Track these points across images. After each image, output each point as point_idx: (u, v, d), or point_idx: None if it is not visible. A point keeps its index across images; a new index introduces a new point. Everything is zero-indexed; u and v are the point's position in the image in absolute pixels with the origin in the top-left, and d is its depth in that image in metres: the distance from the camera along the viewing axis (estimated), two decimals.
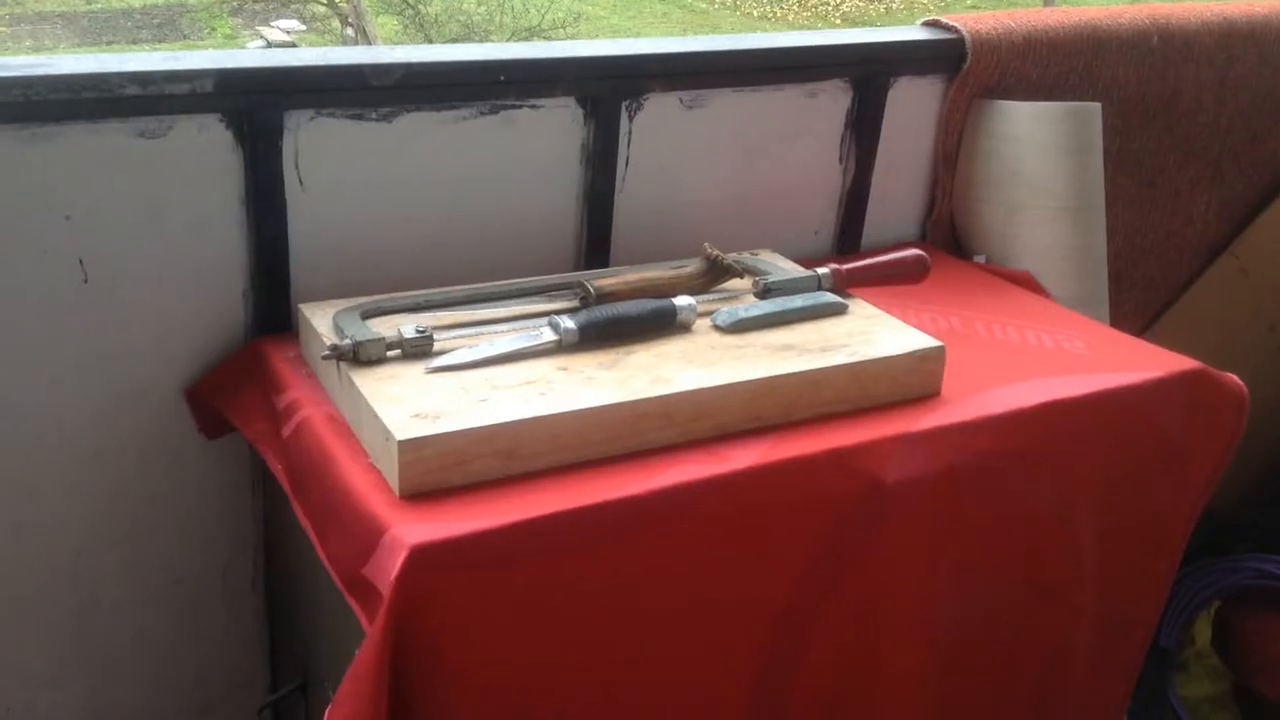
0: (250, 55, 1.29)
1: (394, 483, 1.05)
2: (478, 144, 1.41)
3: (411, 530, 0.99)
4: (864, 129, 1.65)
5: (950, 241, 1.78)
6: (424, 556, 0.98)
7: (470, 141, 1.40)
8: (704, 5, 19.71)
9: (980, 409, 1.27)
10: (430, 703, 1.00)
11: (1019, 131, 1.67)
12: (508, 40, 13.47)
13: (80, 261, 1.25)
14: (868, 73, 1.62)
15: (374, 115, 1.34)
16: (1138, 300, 1.98)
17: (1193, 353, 2.05)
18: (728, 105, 1.54)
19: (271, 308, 1.35)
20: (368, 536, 1.03)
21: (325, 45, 15.12)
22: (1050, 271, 1.68)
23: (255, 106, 1.26)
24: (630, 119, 1.48)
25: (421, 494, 1.05)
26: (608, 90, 1.45)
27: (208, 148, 1.27)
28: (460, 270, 1.42)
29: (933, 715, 1.34)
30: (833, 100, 1.62)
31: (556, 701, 1.08)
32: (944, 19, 1.67)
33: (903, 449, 1.20)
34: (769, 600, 1.17)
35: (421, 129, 1.37)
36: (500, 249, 1.46)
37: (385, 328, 1.22)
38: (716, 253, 1.37)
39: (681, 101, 1.51)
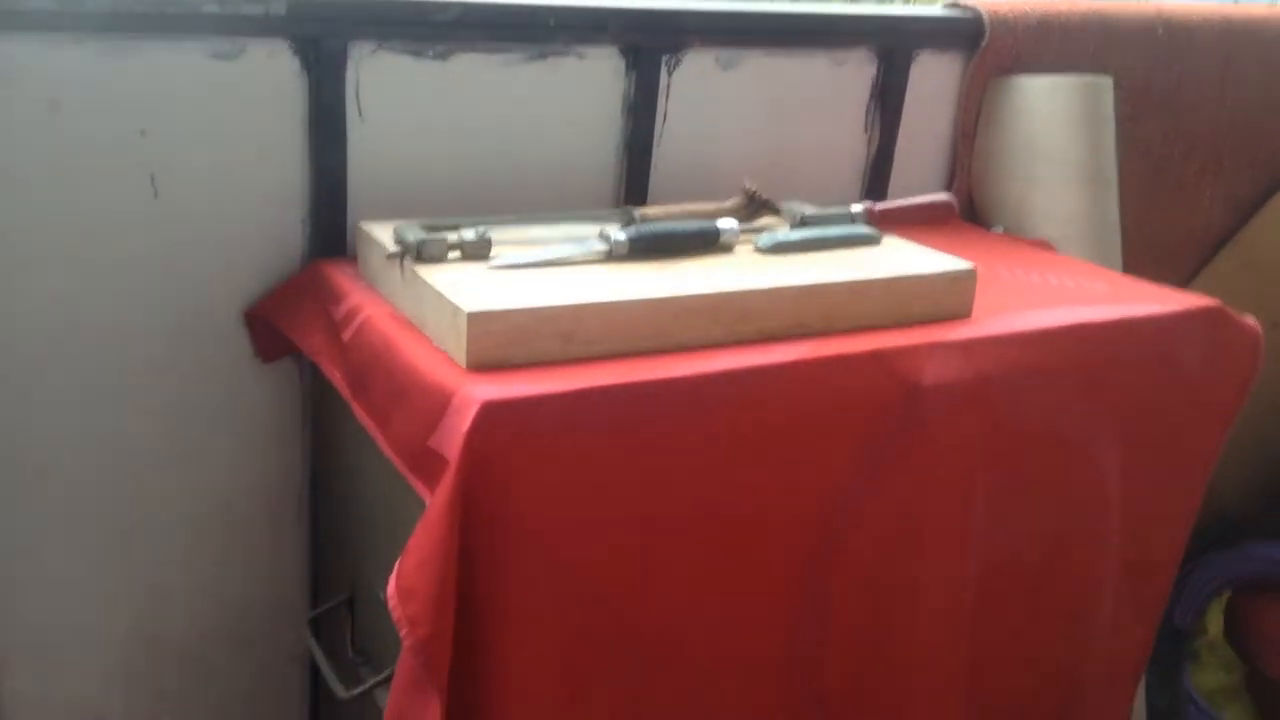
0: None
1: (461, 357, 1.10)
2: (526, 86, 1.48)
3: (481, 390, 1.04)
4: (888, 99, 1.74)
5: (968, 215, 1.85)
6: (493, 413, 1.02)
7: (519, 83, 1.47)
8: None
9: (1010, 327, 1.32)
10: (493, 557, 1.04)
11: (1034, 105, 1.76)
12: None
13: (151, 177, 1.31)
14: (891, 44, 1.71)
15: (430, 53, 1.41)
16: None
17: None
18: (759, 67, 1.62)
19: (329, 233, 1.41)
20: (436, 406, 1.07)
21: None
22: (1066, 240, 1.75)
23: (322, 34, 1.34)
24: (669, 74, 1.56)
25: (488, 365, 1.10)
26: (649, 41, 1.53)
27: (276, 73, 1.34)
28: (511, 205, 1.48)
29: (968, 613, 1.37)
30: (858, 69, 1.71)
31: (608, 568, 1.11)
32: (962, 0, 1.77)
33: (939, 355, 1.26)
34: (811, 492, 1.21)
35: (473, 69, 1.44)
36: (543, 193, 1.53)
37: (445, 234, 1.28)
38: (755, 188, 1.44)
39: (717, 60, 1.59)
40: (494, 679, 1.06)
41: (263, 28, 1.31)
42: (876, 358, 1.23)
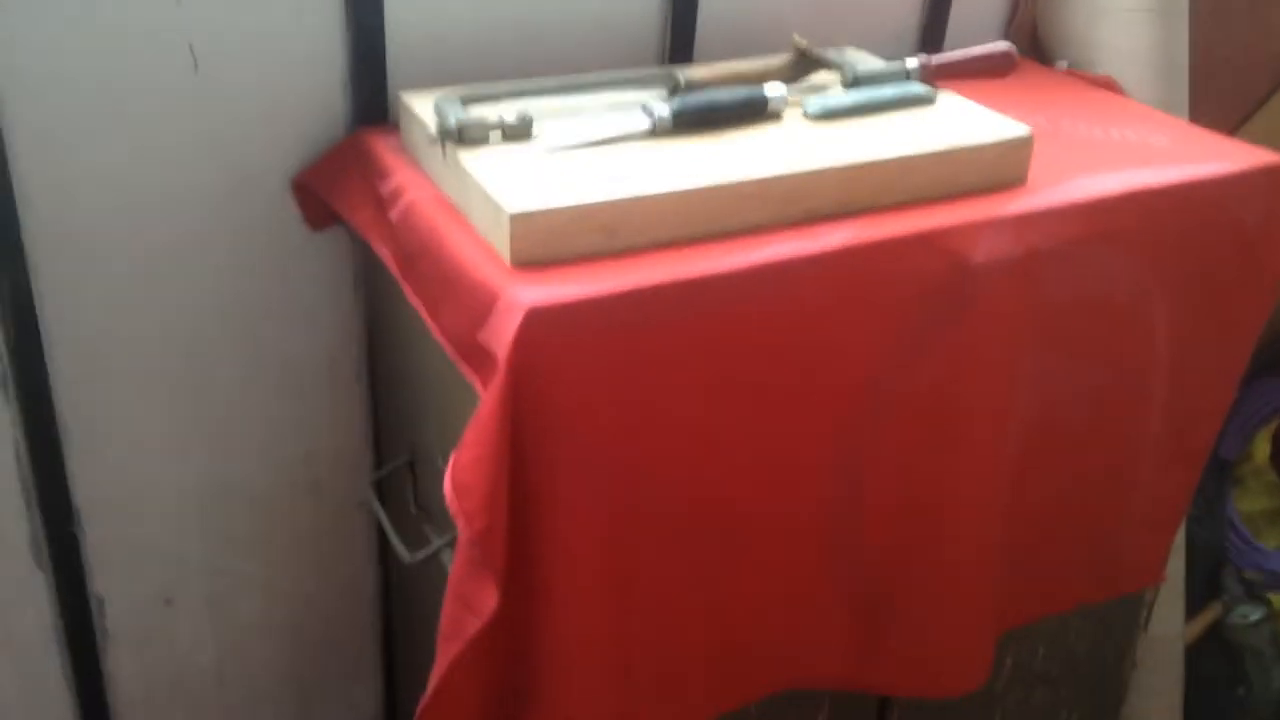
0: None
1: (505, 254, 1.11)
2: None
3: (527, 293, 1.05)
4: None
5: (1032, 46, 1.77)
6: (539, 317, 1.04)
7: None
8: None
9: (1066, 195, 1.29)
10: (543, 449, 1.08)
11: None
12: None
13: (190, 47, 1.29)
14: None
15: None
16: (1213, 115, 1.96)
17: None
18: None
19: (371, 98, 1.39)
20: (483, 304, 1.09)
21: None
22: (1132, 76, 1.68)
23: None
24: None
25: (532, 263, 1.10)
26: None
27: None
28: (551, 59, 1.45)
29: (1011, 511, 1.41)
30: None
31: (656, 451, 1.15)
32: None
33: (989, 232, 1.24)
34: (857, 367, 1.22)
35: None
36: (589, 39, 1.48)
37: (485, 114, 1.26)
38: (805, 44, 1.39)
39: None
40: (547, 561, 1.12)
41: None
42: (925, 239, 1.21)
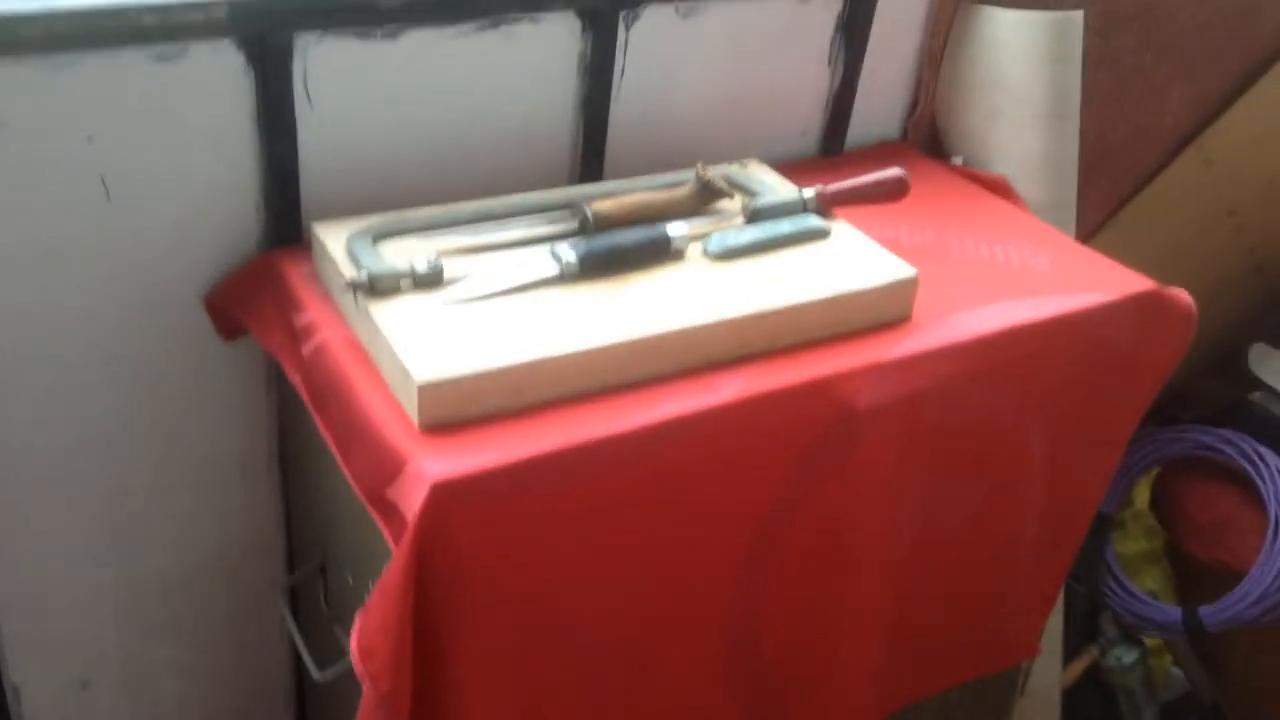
0: None
1: (413, 416, 1.16)
2: (479, 57, 1.44)
3: (433, 465, 1.10)
4: (854, 32, 1.69)
5: (931, 140, 1.84)
6: (445, 491, 1.09)
7: (472, 54, 1.44)
8: None
9: (948, 334, 1.37)
10: (452, 613, 1.14)
11: (1002, 37, 1.72)
12: None
13: (102, 179, 1.31)
14: None
15: (379, 33, 1.37)
16: (1107, 189, 2.06)
17: (1156, 236, 2.15)
18: (722, 13, 1.58)
19: (284, 219, 1.42)
20: (391, 464, 1.14)
21: None
22: (1024, 175, 1.76)
23: (266, 29, 1.30)
24: (627, 29, 1.52)
25: (439, 426, 1.16)
26: (606, 3, 1.48)
27: (221, 69, 1.31)
28: (464, 178, 1.48)
29: (894, 610, 1.50)
30: (824, 6, 1.66)
31: (559, 598, 1.22)
32: None
33: (875, 377, 1.31)
34: (746, 516, 1.30)
35: (425, 45, 1.40)
36: (501, 157, 1.52)
37: (396, 253, 1.30)
38: (709, 176, 1.44)
39: (677, 11, 1.54)
40: (455, 709, 1.19)
41: (204, 30, 1.27)
42: (815, 386, 1.28)
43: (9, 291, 1.31)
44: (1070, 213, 1.81)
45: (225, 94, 1.33)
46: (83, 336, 1.38)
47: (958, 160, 1.81)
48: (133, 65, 1.26)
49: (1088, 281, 1.50)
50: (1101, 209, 2.07)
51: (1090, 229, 2.05)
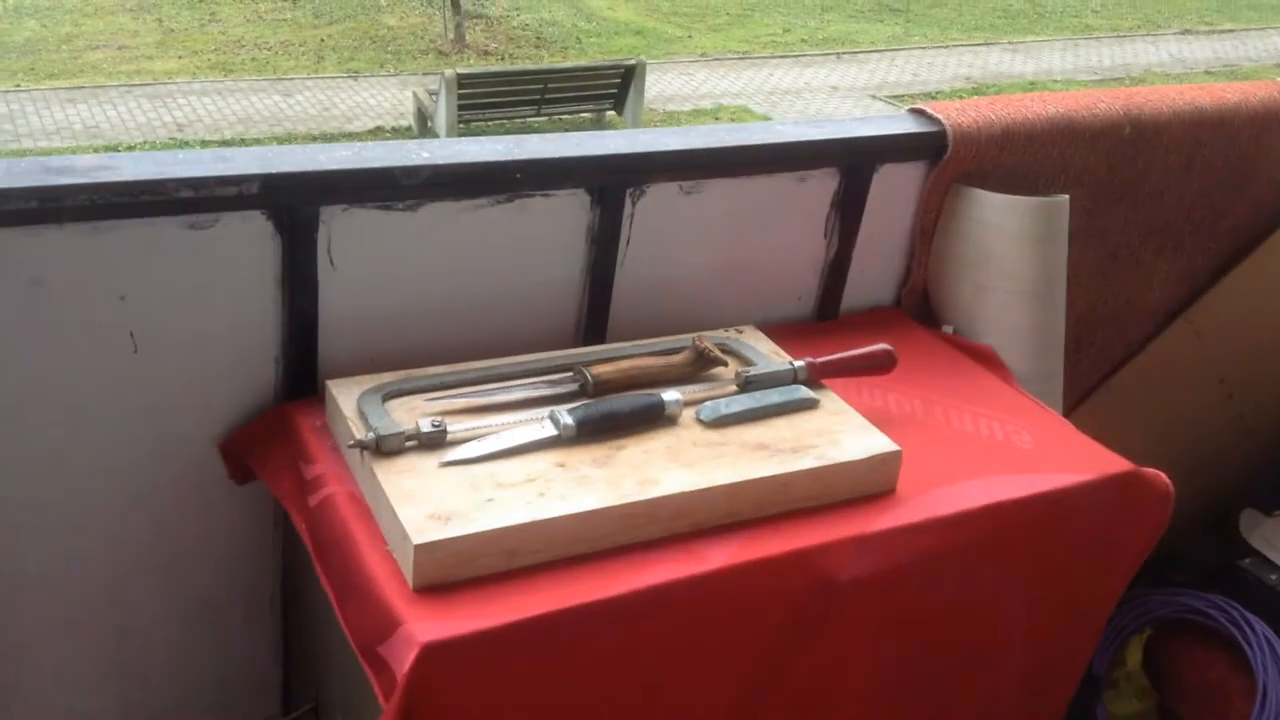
0: (292, 156, 1.41)
1: (409, 576, 1.21)
2: (493, 228, 1.54)
3: (423, 627, 1.16)
4: (849, 209, 1.78)
5: (922, 309, 1.92)
6: (434, 652, 1.14)
7: (486, 226, 1.53)
8: None
9: (930, 509, 1.43)
10: None
11: (991, 219, 1.81)
12: None
13: (131, 334, 1.39)
14: (855, 160, 1.75)
15: (400, 206, 1.47)
16: (1095, 360, 2.13)
17: (1148, 402, 2.21)
18: (723, 190, 1.67)
19: (301, 373, 1.50)
20: (384, 622, 1.19)
21: None
22: (1011, 349, 1.83)
23: (294, 203, 1.39)
24: (633, 204, 1.61)
25: (433, 587, 1.21)
26: (615, 182, 1.57)
27: (250, 236, 1.40)
28: (474, 339, 1.56)
29: None
30: (821, 184, 1.75)
31: None
32: (928, 109, 1.79)
33: (857, 550, 1.37)
34: (727, 681, 1.35)
35: (443, 216, 1.50)
36: (510, 320, 1.60)
37: (403, 412, 1.37)
38: (705, 345, 1.52)
39: (681, 189, 1.64)
40: None
41: (237, 203, 1.36)
42: (798, 557, 1.34)
43: (35, 435, 1.39)
44: (1057, 384, 1.88)
45: (253, 258, 1.42)
46: (101, 476, 1.45)
47: (948, 329, 1.88)
48: (167, 232, 1.35)
49: (1068, 460, 1.56)
50: (1092, 376, 2.14)
51: (1080, 395, 2.11)
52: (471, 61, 12.50)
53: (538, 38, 13.67)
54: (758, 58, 13.89)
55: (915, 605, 1.44)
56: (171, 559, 1.55)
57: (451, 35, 13.12)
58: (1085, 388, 2.12)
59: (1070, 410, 2.06)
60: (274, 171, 1.37)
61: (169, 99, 11.13)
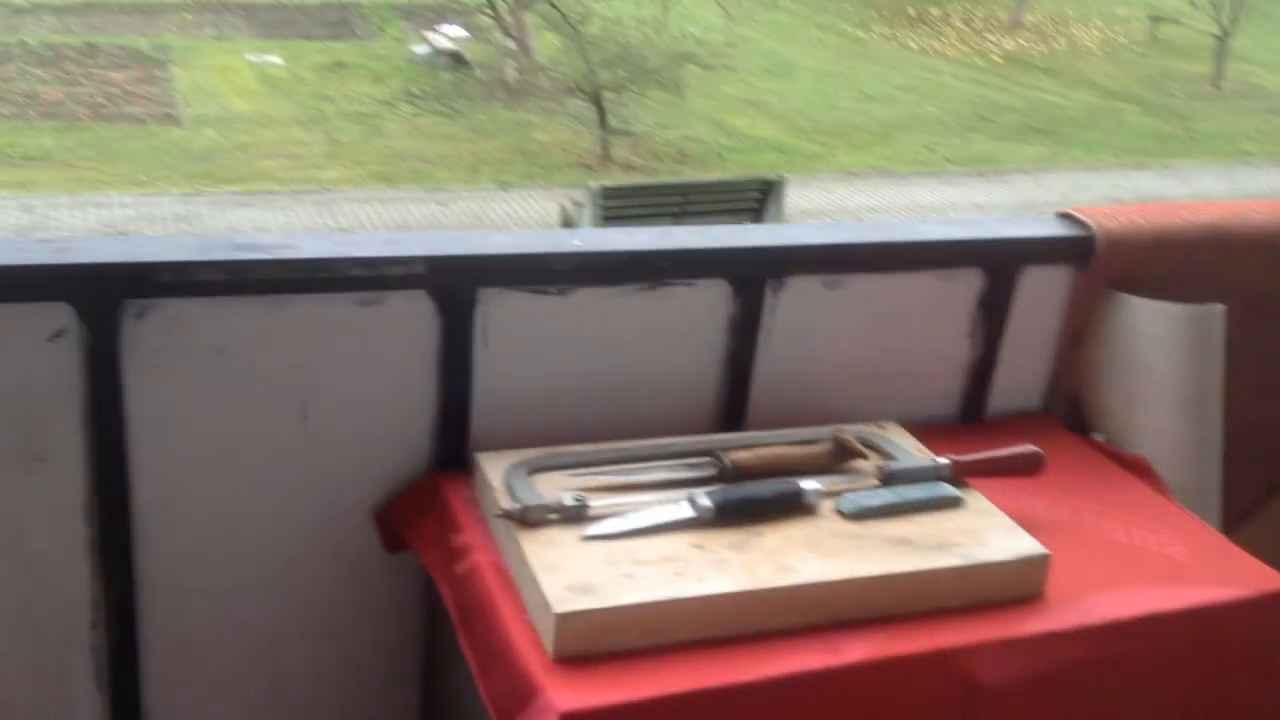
0: (455, 240, 1.50)
1: (549, 645, 1.24)
2: (637, 314, 1.59)
3: (562, 696, 1.17)
4: (993, 310, 1.78)
5: (1072, 416, 1.89)
6: None
7: (631, 312, 1.58)
8: (861, 34, 19.74)
9: (1080, 616, 1.39)
10: None
11: (1143, 326, 1.78)
12: (663, 64, 13.77)
13: (302, 404, 1.47)
14: (999, 261, 1.75)
15: (552, 290, 1.53)
16: (1255, 479, 2.05)
17: None
18: (865, 286, 1.69)
19: (452, 446, 1.56)
20: (523, 691, 1.21)
21: (488, 53, 15.70)
22: (1165, 459, 1.78)
23: (455, 284, 1.47)
24: (774, 295, 1.64)
25: (571, 657, 1.23)
26: (755, 273, 1.61)
27: (413, 315, 1.48)
28: (615, 421, 1.60)
29: None
30: (965, 284, 1.75)
31: None
32: (1076, 213, 1.79)
33: (1003, 653, 1.33)
34: None
35: (591, 301, 1.56)
36: (651, 403, 1.64)
37: (547, 487, 1.41)
38: (846, 437, 1.53)
39: (822, 283, 1.67)
40: None
41: (403, 282, 1.45)
42: (941, 657, 1.31)
43: (207, 496, 1.48)
44: (1213, 499, 1.81)
45: (414, 335, 1.50)
46: (263, 541, 1.53)
47: (1099, 437, 1.84)
48: (339, 308, 1.44)
49: (1226, 575, 1.50)
50: (1251, 496, 2.05)
51: (1240, 515, 2.03)
52: (616, 175, 12.88)
53: (681, 153, 14.02)
54: (900, 175, 13.97)
55: (1063, 715, 1.39)
56: (323, 624, 1.60)
57: (598, 150, 13.57)
58: (1245, 507, 2.03)
59: (1229, 530, 1.97)
60: (438, 254, 1.45)
61: (334, 205, 11.76)
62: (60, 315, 1.35)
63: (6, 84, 13.42)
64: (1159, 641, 1.42)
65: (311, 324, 1.44)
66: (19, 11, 16.04)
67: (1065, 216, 1.81)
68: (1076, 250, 1.77)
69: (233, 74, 14.86)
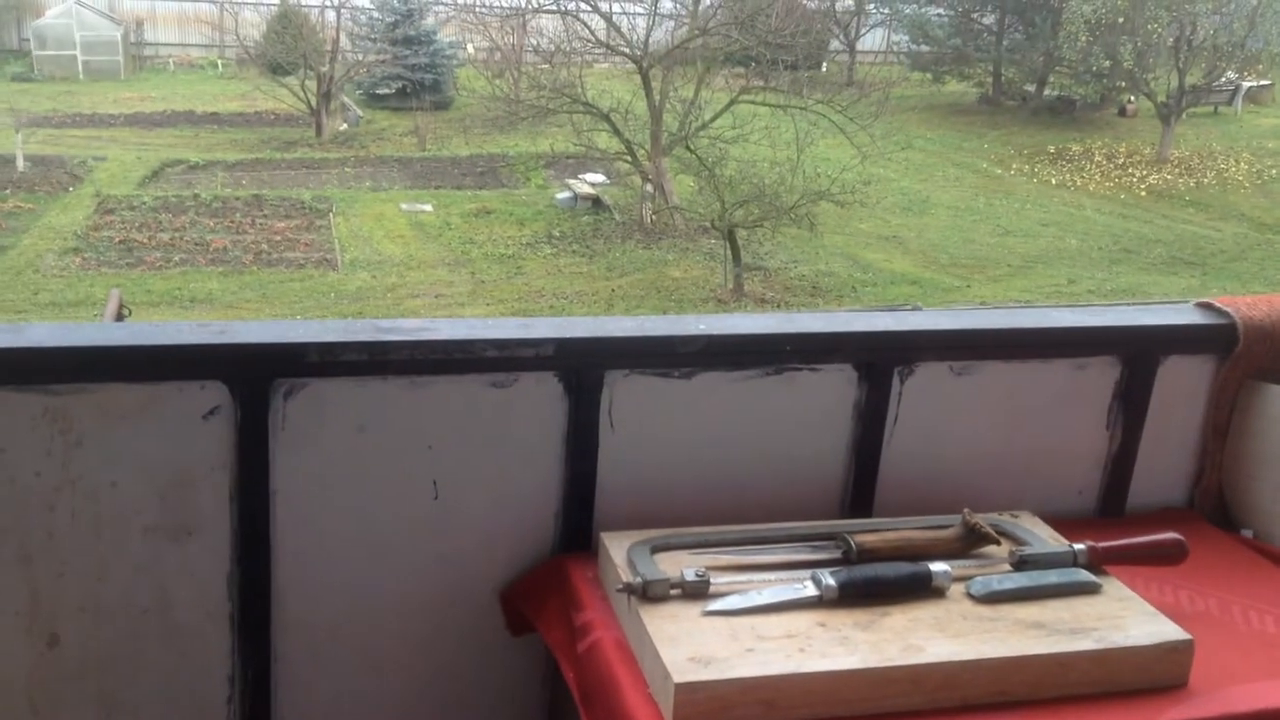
0: (583, 324, 1.55)
1: (668, 718, 1.22)
2: (761, 398, 1.60)
3: None
4: (1132, 400, 1.74)
5: (1218, 511, 1.81)
6: None
7: (755, 396, 1.60)
8: (998, 171, 19.70)
9: (1225, 706, 1.31)
10: None
11: None
12: (797, 201, 13.98)
13: (434, 482, 1.52)
14: (1137, 350, 1.71)
15: (676, 374, 1.56)
16: None
17: None
18: (996, 373, 1.67)
19: (577, 527, 1.58)
20: None
21: (626, 197, 16.24)
22: None
23: (583, 366, 1.52)
24: (901, 381, 1.64)
25: None
26: (882, 359, 1.61)
27: (543, 396, 1.53)
28: (739, 506, 1.60)
29: None
30: (1101, 373, 1.72)
31: None
32: (1216, 302, 1.75)
33: None
34: None
35: (714, 384, 1.58)
36: (775, 488, 1.64)
37: (670, 564, 1.42)
38: (976, 520, 1.49)
39: (951, 369, 1.66)
40: None
41: (534, 365, 1.50)
42: None
43: (344, 571, 1.52)
44: None
45: (544, 416, 1.54)
46: (394, 620, 1.56)
47: (1247, 534, 1.76)
48: (472, 389, 1.50)
49: None
50: None
51: None
52: (749, 308, 12.98)
53: (814, 286, 14.08)
54: (1038, 306, 13.70)
55: None
56: (448, 706, 1.62)
57: (730, 286, 13.73)
58: None
59: None
60: (567, 336, 1.50)
61: None
62: (215, 394, 1.44)
63: (179, 234, 14.40)
64: None
65: (446, 403, 1.50)
66: (193, 168, 17.30)
67: (1205, 305, 1.76)
68: (1219, 339, 1.72)
69: (387, 221, 15.65)
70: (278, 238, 14.56)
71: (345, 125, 19.90)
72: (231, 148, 18.46)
